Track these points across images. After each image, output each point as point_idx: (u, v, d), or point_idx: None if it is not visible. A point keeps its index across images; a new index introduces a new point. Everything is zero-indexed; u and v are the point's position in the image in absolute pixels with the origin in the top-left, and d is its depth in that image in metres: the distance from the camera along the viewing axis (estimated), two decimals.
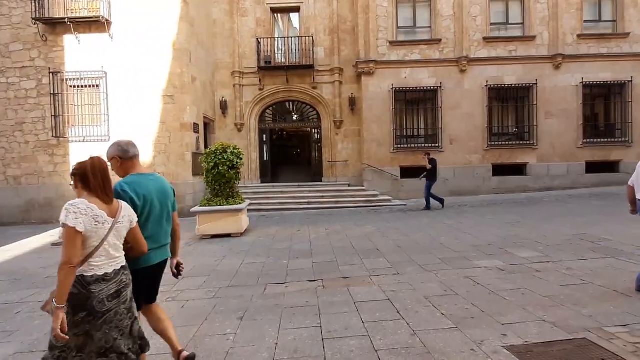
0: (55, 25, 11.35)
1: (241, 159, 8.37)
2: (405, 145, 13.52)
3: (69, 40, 11.46)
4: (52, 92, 11.39)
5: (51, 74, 11.37)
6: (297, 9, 14.31)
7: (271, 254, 6.55)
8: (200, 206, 8.17)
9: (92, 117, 11.63)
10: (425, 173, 11.12)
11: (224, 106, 14.18)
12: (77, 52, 11.46)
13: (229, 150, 8.17)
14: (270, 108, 14.83)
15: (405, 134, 13.73)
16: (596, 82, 13.17)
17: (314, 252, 6.48)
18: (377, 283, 4.68)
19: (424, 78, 13.32)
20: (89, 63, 11.44)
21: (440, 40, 13.24)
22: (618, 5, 13.23)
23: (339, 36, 14.04)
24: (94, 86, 11.55)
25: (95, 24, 11.30)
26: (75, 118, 11.63)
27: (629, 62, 13.07)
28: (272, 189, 13.73)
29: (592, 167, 13.30)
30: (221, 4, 14.18)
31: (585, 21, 13.22)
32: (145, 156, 11.46)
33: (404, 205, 12.00)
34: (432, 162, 11.07)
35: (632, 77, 12.99)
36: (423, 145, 13.51)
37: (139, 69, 11.45)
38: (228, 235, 8.13)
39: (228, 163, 8.07)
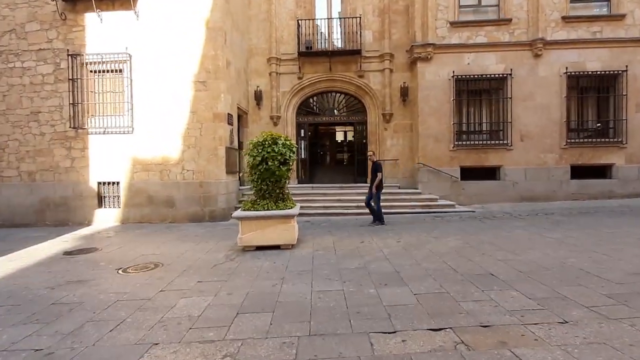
0: (76, 2, 10.04)
1: (294, 152, 6.77)
2: (467, 142, 11.70)
3: (90, 19, 10.13)
4: (70, 77, 10.07)
5: (70, 57, 10.05)
6: None
7: (344, 276, 4.90)
8: (244, 210, 6.59)
9: (114, 105, 10.26)
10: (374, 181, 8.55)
11: (258, 96, 12.66)
12: (98, 32, 10.12)
13: (280, 142, 6.58)
14: (310, 99, 13.24)
15: (467, 129, 11.91)
16: None
17: (403, 276, 4.80)
18: (552, 342, 2.94)
19: (490, 64, 11.48)
20: (112, 44, 10.09)
21: (510, 20, 11.38)
22: None
23: (389, 17, 12.33)
24: (116, 71, 10.19)
25: None
26: (96, 107, 10.30)
27: None
28: (311, 190, 12.10)
29: None
30: None
31: None
32: (173, 151, 10.04)
33: (472, 211, 10.20)
34: (377, 166, 8.63)
35: None
36: (488, 142, 11.68)
37: (167, 50, 10.04)
38: (276, 247, 6.53)
39: (279, 157, 6.49)
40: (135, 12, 10.01)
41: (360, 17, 12.25)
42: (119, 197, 10.23)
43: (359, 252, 6.19)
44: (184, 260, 6.06)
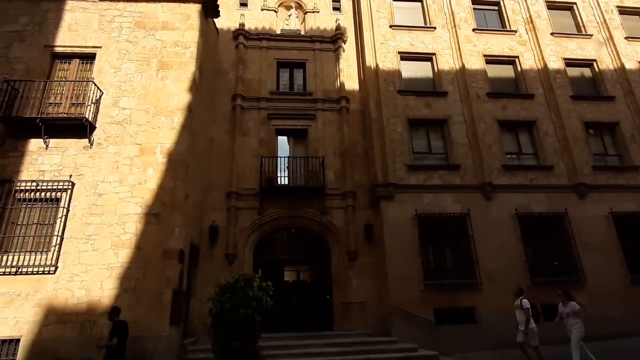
0: (20, 127, 9.17)
1: (271, 295, 5.57)
2: (439, 281, 11.15)
3: (34, 145, 9.17)
4: None
5: None
6: (304, 132, 13.39)
7: None
8: None
9: (37, 240, 8.54)
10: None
11: (213, 232, 11.55)
12: (40, 158, 9.09)
13: (255, 283, 5.42)
14: (271, 236, 12.37)
15: (437, 267, 11.52)
16: (624, 212, 12.36)
17: None
18: None
19: (448, 204, 11.94)
20: (54, 172, 9.00)
21: (459, 166, 12.41)
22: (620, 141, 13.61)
23: (350, 160, 12.87)
24: (52, 200, 8.84)
25: (72, 127, 9.24)
26: (13, 241, 8.47)
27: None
28: (267, 342, 10.12)
29: None
30: (222, 123, 13.01)
31: (594, 154, 13.23)
32: (104, 296, 8.14)
33: None
34: (119, 325, 6.73)
35: None
36: (459, 280, 11.24)
37: (117, 180, 9.12)
38: None
39: (254, 304, 5.23)
40: (90, 141, 9.29)
41: (323, 157, 12.64)
42: None
43: None
44: None
